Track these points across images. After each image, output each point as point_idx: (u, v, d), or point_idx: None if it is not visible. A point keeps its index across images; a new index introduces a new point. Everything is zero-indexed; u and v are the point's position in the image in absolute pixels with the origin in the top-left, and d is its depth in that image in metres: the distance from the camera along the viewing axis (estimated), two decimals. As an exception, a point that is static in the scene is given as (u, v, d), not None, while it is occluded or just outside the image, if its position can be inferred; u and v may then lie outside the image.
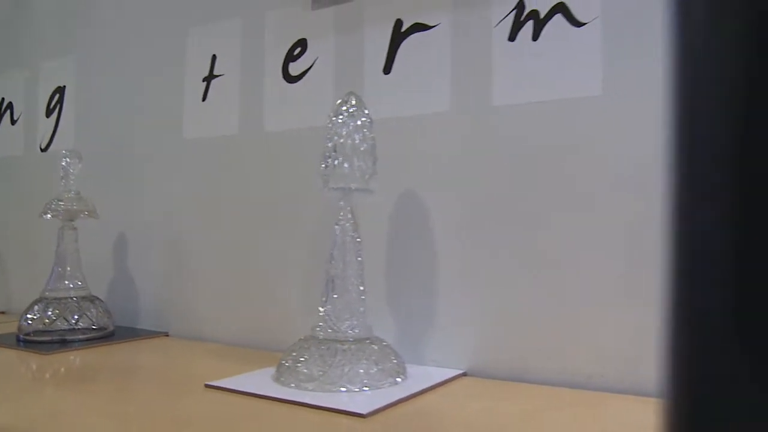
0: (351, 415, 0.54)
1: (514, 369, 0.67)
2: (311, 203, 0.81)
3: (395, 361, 0.66)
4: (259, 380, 0.65)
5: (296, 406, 0.56)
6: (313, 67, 0.83)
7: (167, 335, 0.94)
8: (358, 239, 0.68)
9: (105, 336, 0.88)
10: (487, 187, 0.70)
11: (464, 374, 0.69)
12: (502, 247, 0.69)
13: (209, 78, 0.93)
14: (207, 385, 0.63)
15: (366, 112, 0.67)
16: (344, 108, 0.67)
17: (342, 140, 0.66)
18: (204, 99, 0.93)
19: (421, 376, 0.67)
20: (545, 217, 0.66)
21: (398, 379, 0.64)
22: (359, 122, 0.67)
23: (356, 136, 0.66)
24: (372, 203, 0.76)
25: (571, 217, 0.65)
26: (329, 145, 0.66)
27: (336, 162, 0.66)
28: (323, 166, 0.67)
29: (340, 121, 0.67)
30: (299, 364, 0.63)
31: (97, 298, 0.91)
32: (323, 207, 0.77)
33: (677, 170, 0.20)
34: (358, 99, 0.68)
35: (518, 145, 0.68)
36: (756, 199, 0.18)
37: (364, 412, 0.54)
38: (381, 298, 0.76)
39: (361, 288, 0.67)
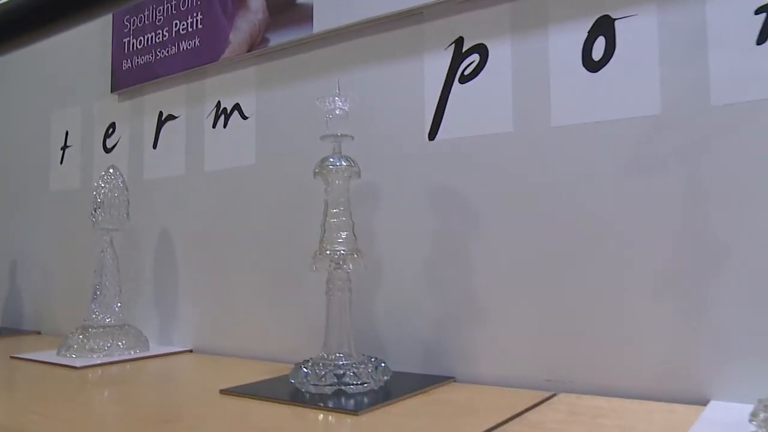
0: (69, 367, 0.89)
1: (220, 348, 1.01)
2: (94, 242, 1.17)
3: (135, 340, 1.01)
4: (46, 354, 1.01)
5: (45, 365, 0.92)
6: (118, 143, 1.20)
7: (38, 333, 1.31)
8: (116, 260, 1.03)
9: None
10: (204, 227, 1.05)
11: (190, 351, 1.04)
12: (215, 262, 1.04)
13: (64, 147, 1.30)
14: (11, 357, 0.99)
15: (121, 177, 1.04)
16: (103, 174, 1.03)
17: (101, 197, 1.02)
18: (61, 162, 1.31)
19: (157, 350, 1.02)
20: (245, 251, 1.01)
21: (132, 352, 0.99)
22: (113, 185, 1.03)
23: (110, 194, 1.02)
24: (145, 237, 1.12)
25: (253, 254, 1.00)
26: (94, 200, 1.03)
27: (99, 211, 1.03)
28: (91, 214, 1.03)
29: (102, 183, 1.03)
30: (69, 342, 0.99)
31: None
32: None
33: None
34: (115, 168, 1.04)
35: (221, 201, 1.03)
36: None
37: (78, 365, 0.89)
38: (150, 299, 1.11)
39: (117, 293, 1.03)
